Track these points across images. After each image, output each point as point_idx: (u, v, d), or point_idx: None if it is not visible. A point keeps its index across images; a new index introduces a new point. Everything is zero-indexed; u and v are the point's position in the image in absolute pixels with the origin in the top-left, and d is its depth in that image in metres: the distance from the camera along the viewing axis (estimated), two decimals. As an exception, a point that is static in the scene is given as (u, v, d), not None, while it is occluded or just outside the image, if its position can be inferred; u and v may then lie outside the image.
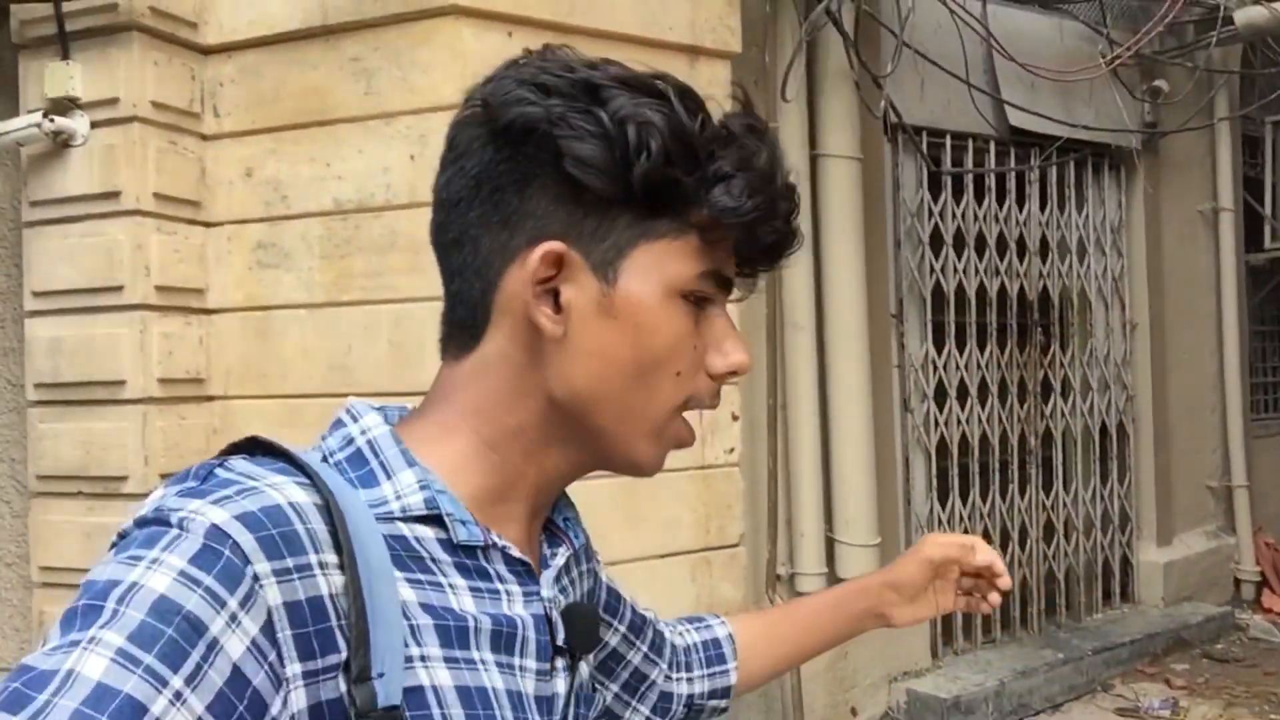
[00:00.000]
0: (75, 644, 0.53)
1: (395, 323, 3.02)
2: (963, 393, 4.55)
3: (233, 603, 0.55)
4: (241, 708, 0.55)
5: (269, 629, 0.57)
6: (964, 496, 4.56)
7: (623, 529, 2.88)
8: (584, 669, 0.78)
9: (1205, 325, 5.60)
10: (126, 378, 2.95)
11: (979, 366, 4.60)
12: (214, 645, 0.54)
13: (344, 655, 0.59)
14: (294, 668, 0.57)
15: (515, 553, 0.71)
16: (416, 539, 0.67)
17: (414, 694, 0.62)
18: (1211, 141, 5.54)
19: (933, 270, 4.44)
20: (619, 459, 0.74)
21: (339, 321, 3.07)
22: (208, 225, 3.16)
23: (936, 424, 4.45)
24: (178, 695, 0.52)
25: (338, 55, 3.06)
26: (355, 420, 0.71)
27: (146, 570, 0.55)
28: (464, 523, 0.68)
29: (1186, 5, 4.92)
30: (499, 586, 0.70)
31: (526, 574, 0.72)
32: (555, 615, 0.73)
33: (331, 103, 3.06)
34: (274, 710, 0.56)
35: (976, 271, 4.60)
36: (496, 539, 0.70)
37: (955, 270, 4.51)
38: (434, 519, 0.68)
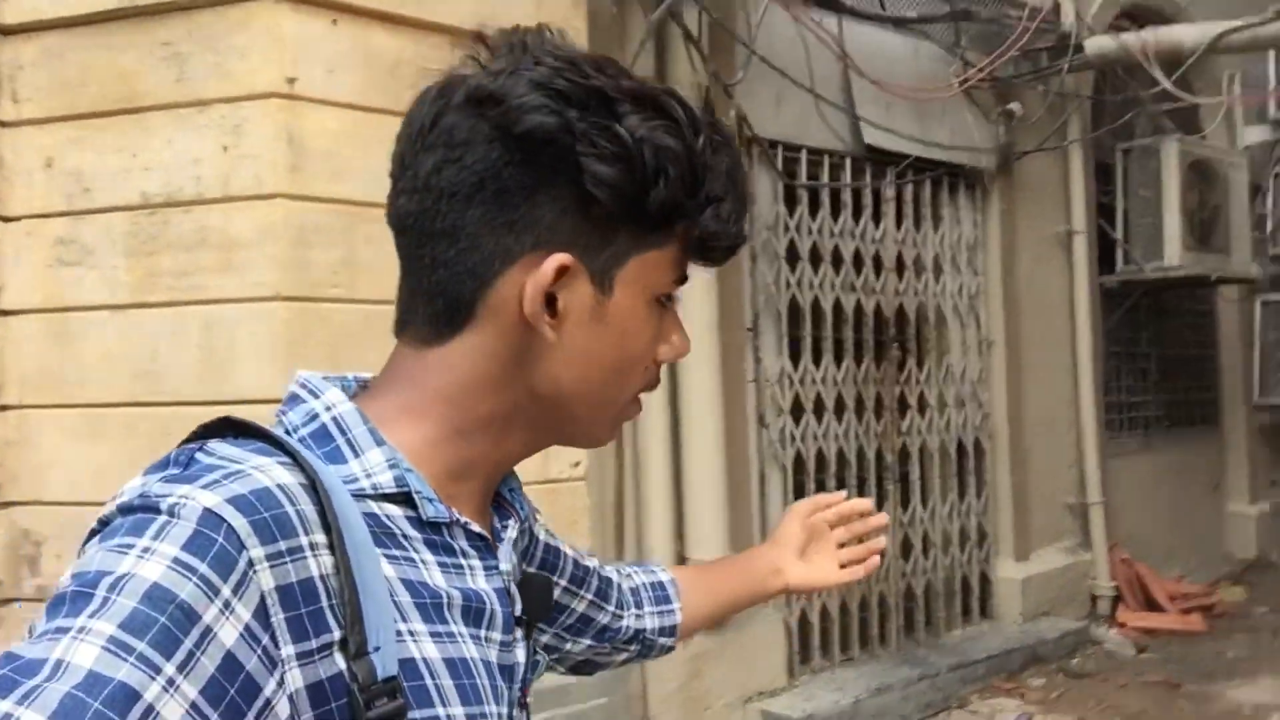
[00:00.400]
0: (63, 631, 0.52)
1: (206, 326, 2.84)
2: (819, 408, 4.53)
3: (226, 590, 0.55)
4: (233, 691, 0.55)
5: (262, 614, 0.57)
6: (822, 513, 4.51)
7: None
8: (539, 637, 0.82)
9: (1060, 345, 5.71)
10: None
11: (835, 382, 4.59)
12: (207, 633, 0.54)
13: (336, 634, 0.60)
14: (288, 649, 0.58)
15: (475, 528, 0.73)
16: (388, 516, 0.68)
17: (407, 666, 0.64)
18: (1065, 166, 5.68)
19: (789, 285, 4.42)
20: (581, 439, 0.79)
21: (145, 324, 2.88)
22: (5, 220, 2.94)
23: (793, 439, 4.41)
24: (170, 682, 0.52)
25: (148, 39, 2.89)
26: (316, 396, 0.71)
27: (139, 559, 0.54)
28: (431, 500, 0.70)
29: (1039, 32, 5.05)
30: (463, 561, 0.72)
31: (485, 548, 0.74)
32: (513, 587, 0.76)
33: (140, 89, 2.88)
34: (268, 692, 0.56)
35: (833, 287, 4.59)
36: (459, 516, 0.72)
37: (812, 285, 4.50)
38: (402, 497, 0.69)
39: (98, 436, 2.89)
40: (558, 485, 3.14)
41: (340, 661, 0.60)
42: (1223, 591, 6.16)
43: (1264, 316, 6.94)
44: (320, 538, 0.60)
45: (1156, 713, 4.24)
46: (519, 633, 0.76)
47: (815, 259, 4.53)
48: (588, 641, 1.04)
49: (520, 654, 0.76)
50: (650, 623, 1.10)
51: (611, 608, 1.05)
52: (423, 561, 0.69)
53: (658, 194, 0.69)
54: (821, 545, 1.21)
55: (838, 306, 4.61)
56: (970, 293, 5.24)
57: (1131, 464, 6.19)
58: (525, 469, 0.84)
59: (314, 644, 0.59)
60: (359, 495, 0.66)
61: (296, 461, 0.62)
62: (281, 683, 0.57)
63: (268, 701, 0.57)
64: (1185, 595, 5.85)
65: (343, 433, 0.69)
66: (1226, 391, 7.11)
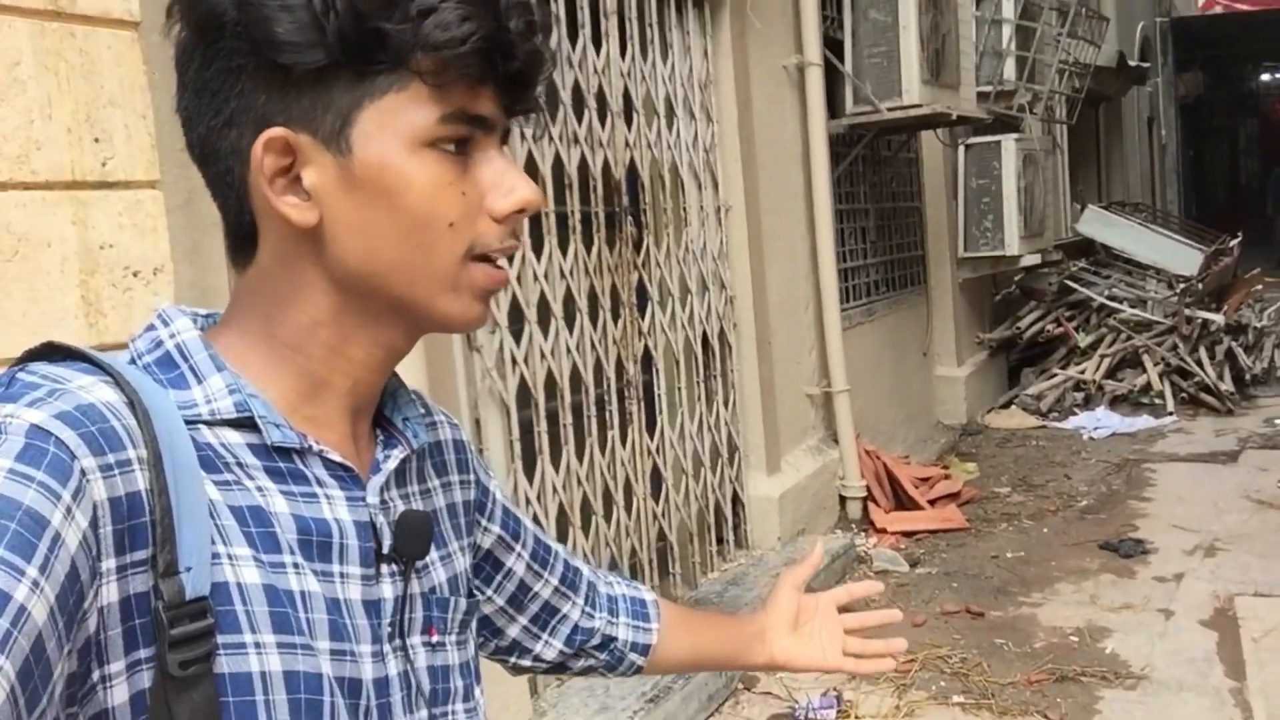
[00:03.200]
0: None
1: None
2: (544, 313, 3.18)
3: (66, 496, 0.55)
4: (71, 602, 0.55)
5: (94, 524, 0.57)
6: (555, 459, 3.23)
7: None
8: (438, 574, 0.78)
9: (796, 206, 4.72)
10: None
11: (563, 274, 3.25)
12: (57, 538, 0.54)
13: (151, 550, 0.59)
14: (108, 563, 0.58)
15: (334, 456, 0.70)
16: (223, 444, 0.66)
17: (220, 589, 0.62)
18: (793, -19, 4.58)
19: (492, 136, 2.97)
20: (429, 322, 0.72)
21: None
22: None
23: (514, 363, 3.05)
24: (35, 584, 0.52)
25: None
26: (166, 324, 0.70)
27: None
28: (277, 425, 0.68)
29: None
30: (317, 490, 0.69)
31: (350, 479, 0.71)
32: (380, 520, 0.72)
33: None
34: (86, 603, 0.56)
35: (550, 138, 3.20)
36: (313, 443, 0.69)
37: (523, 135, 3.08)
38: (246, 423, 0.67)
39: None
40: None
41: (150, 579, 0.59)
42: (956, 470, 5.65)
43: (967, 161, 6.39)
44: (144, 453, 0.60)
45: (978, 656, 3.45)
46: (386, 568, 0.72)
47: (525, 98, 3.10)
48: (559, 645, 1.00)
49: (388, 590, 0.72)
50: (624, 634, 1.05)
51: (581, 602, 1.01)
52: (259, 489, 0.66)
53: (332, 29, 0.63)
54: (826, 623, 1.13)
55: (559, 166, 3.24)
56: (706, 144, 4.05)
57: (857, 339, 5.42)
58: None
59: (129, 559, 0.58)
60: (196, 420, 0.65)
61: (118, 381, 0.61)
62: (96, 595, 0.57)
63: (84, 613, 0.56)
64: (926, 480, 5.24)
65: (185, 359, 0.68)
66: (932, 247, 6.57)
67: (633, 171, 3.63)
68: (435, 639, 0.76)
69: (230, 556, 0.63)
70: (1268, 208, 17.70)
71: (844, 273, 5.44)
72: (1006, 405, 7.12)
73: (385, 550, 0.71)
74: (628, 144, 3.57)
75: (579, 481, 3.33)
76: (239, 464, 0.66)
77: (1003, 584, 4.11)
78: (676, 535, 3.83)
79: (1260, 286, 9.23)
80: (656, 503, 3.73)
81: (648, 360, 3.72)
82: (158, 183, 1.84)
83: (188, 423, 0.64)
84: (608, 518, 3.46)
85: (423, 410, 0.83)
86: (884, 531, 4.68)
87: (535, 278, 3.13)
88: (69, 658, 0.55)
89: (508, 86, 0.68)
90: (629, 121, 3.59)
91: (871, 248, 5.86)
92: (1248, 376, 7.21)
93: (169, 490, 0.60)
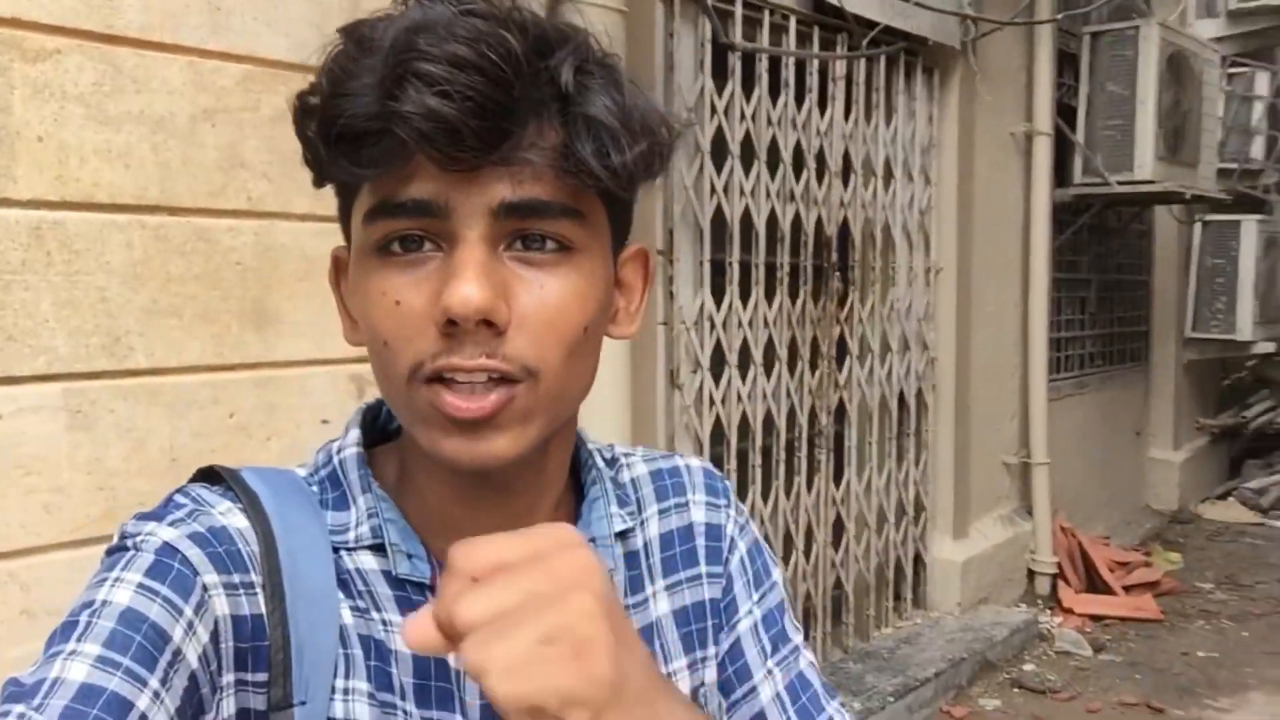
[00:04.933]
0: (56, 656, 0.54)
1: None
2: (745, 359, 3.35)
3: (189, 611, 0.56)
4: (190, 713, 0.56)
5: (215, 638, 0.57)
6: (740, 496, 3.38)
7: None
8: None
9: (1011, 273, 4.70)
10: None
11: (767, 323, 3.42)
12: (178, 654, 0.55)
13: (270, 674, 0.59)
14: (228, 676, 0.58)
15: None
16: (360, 570, 0.64)
17: None
18: (1030, 50, 4.59)
19: (713, 190, 3.18)
20: (431, 456, 0.62)
21: None
22: None
23: (712, 402, 3.23)
24: (156, 695, 0.53)
25: None
26: (344, 434, 0.68)
27: (111, 587, 0.56)
28: (409, 556, 0.64)
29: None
30: None
31: None
32: None
33: None
34: (208, 717, 0.57)
35: (768, 194, 3.38)
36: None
37: (743, 191, 3.27)
38: (384, 549, 0.64)
39: None
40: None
41: (265, 703, 0.59)
42: (1158, 559, 5.42)
43: (1203, 239, 6.13)
44: (264, 579, 0.59)
45: (1153, 754, 3.36)
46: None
47: (747, 155, 3.30)
48: None
49: None
50: None
51: None
52: (384, 622, 0.63)
53: (306, 133, 0.60)
54: None
55: (773, 220, 3.41)
56: (921, 206, 4.13)
57: (1064, 411, 5.31)
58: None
59: (249, 677, 0.59)
60: (344, 547, 0.64)
61: (253, 508, 0.62)
62: (217, 709, 0.57)
63: None
64: (1124, 565, 5.06)
65: (345, 477, 0.66)
66: (1157, 324, 6.33)
67: (845, 229, 3.76)
68: None
69: (348, 691, 0.62)
70: None
71: (1057, 342, 5.35)
72: (1223, 497, 6.73)
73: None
74: (843, 203, 3.70)
75: (761, 520, 3.47)
76: (370, 593, 0.64)
77: (1190, 683, 3.95)
78: (853, 586, 3.90)
79: None
80: (836, 551, 3.82)
81: (841, 412, 3.82)
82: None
83: (337, 548, 0.64)
84: (786, 559, 3.58)
85: (630, 508, 0.73)
86: (1070, 612, 4.57)
87: (740, 324, 3.30)
88: None
89: (438, 158, 0.55)
90: (845, 181, 3.72)
91: (1090, 319, 5.72)
92: None
93: (287, 622, 0.59)
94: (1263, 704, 3.80)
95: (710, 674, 0.73)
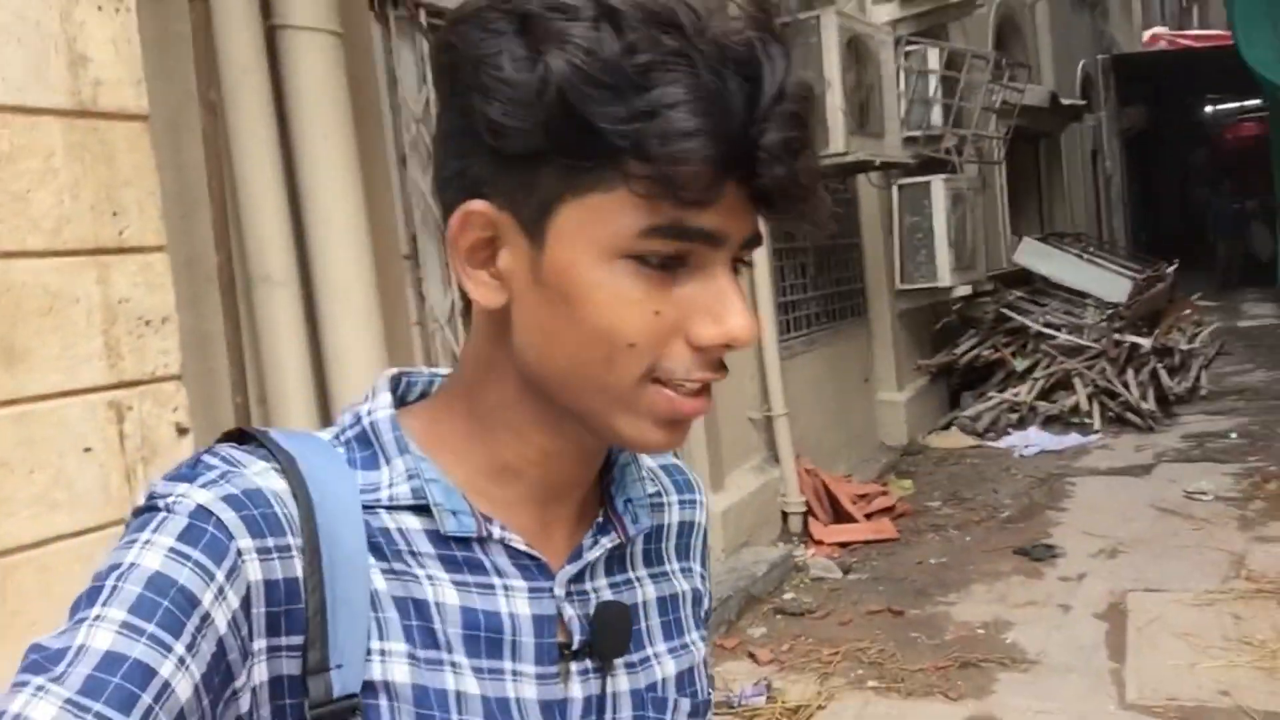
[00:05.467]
0: (81, 621, 0.54)
1: None
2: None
3: (220, 576, 0.56)
4: (218, 678, 0.56)
5: (246, 604, 0.57)
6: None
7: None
8: (664, 668, 0.72)
9: (735, 246, 5.15)
10: None
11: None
12: (206, 618, 0.55)
13: (304, 638, 0.59)
14: (260, 642, 0.58)
15: (519, 544, 0.66)
16: (400, 530, 0.64)
17: (369, 687, 0.61)
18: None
19: (449, 193, 3.38)
20: (610, 437, 0.65)
21: None
22: None
23: (471, 392, 3.44)
24: (181, 661, 0.54)
25: None
26: (369, 399, 0.68)
27: (140, 550, 0.56)
28: (455, 513, 0.65)
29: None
30: (494, 581, 0.65)
31: (537, 568, 0.67)
32: (570, 613, 0.67)
33: None
34: (238, 682, 0.57)
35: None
36: (496, 530, 0.66)
37: (477, 192, 3.49)
38: (426, 509, 0.65)
39: None
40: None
41: (299, 667, 0.59)
42: (893, 487, 6.06)
43: (900, 200, 6.86)
44: (304, 542, 0.60)
45: (894, 648, 3.85)
46: (577, 665, 0.67)
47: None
48: None
49: (576, 688, 0.67)
50: None
51: None
52: (429, 578, 0.64)
53: (544, 114, 0.57)
54: None
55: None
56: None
57: (798, 367, 5.85)
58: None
59: (284, 641, 0.59)
60: (374, 506, 0.64)
61: (286, 470, 0.61)
62: (249, 675, 0.58)
63: (235, 691, 0.57)
64: (865, 496, 5.65)
65: (375, 438, 0.66)
66: (871, 280, 7.03)
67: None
68: None
69: (384, 653, 0.62)
70: (1208, 234, 18.34)
71: (785, 305, 5.88)
72: (946, 427, 7.55)
73: (576, 645, 0.67)
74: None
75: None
76: (412, 552, 0.64)
77: (924, 586, 4.51)
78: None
79: (1190, 311, 9.76)
80: (606, 518, 4.11)
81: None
82: (164, 247, 2.22)
83: (368, 506, 0.64)
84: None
85: (653, 489, 0.77)
86: (821, 543, 5.08)
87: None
88: None
89: (751, 202, 0.60)
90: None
91: (812, 282, 6.30)
92: (1171, 396, 7.69)
93: (324, 585, 0.60)
94: (982, 594, 4.40)
95: (700, 654, 0.77)
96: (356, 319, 2.75)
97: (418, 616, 0.63)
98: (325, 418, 2.70)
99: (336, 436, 0.67)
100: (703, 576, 0.80)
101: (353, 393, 2.75)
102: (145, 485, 0.66)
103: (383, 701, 0.61)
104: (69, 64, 2.02)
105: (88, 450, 2.20)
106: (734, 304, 0.60)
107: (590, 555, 0.69)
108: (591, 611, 0.68)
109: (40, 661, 0.53)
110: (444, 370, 0.73)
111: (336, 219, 2.69)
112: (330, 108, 2.69)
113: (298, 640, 0.59)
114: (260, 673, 0.58)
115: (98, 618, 0.54)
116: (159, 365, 2.21)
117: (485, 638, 0.64)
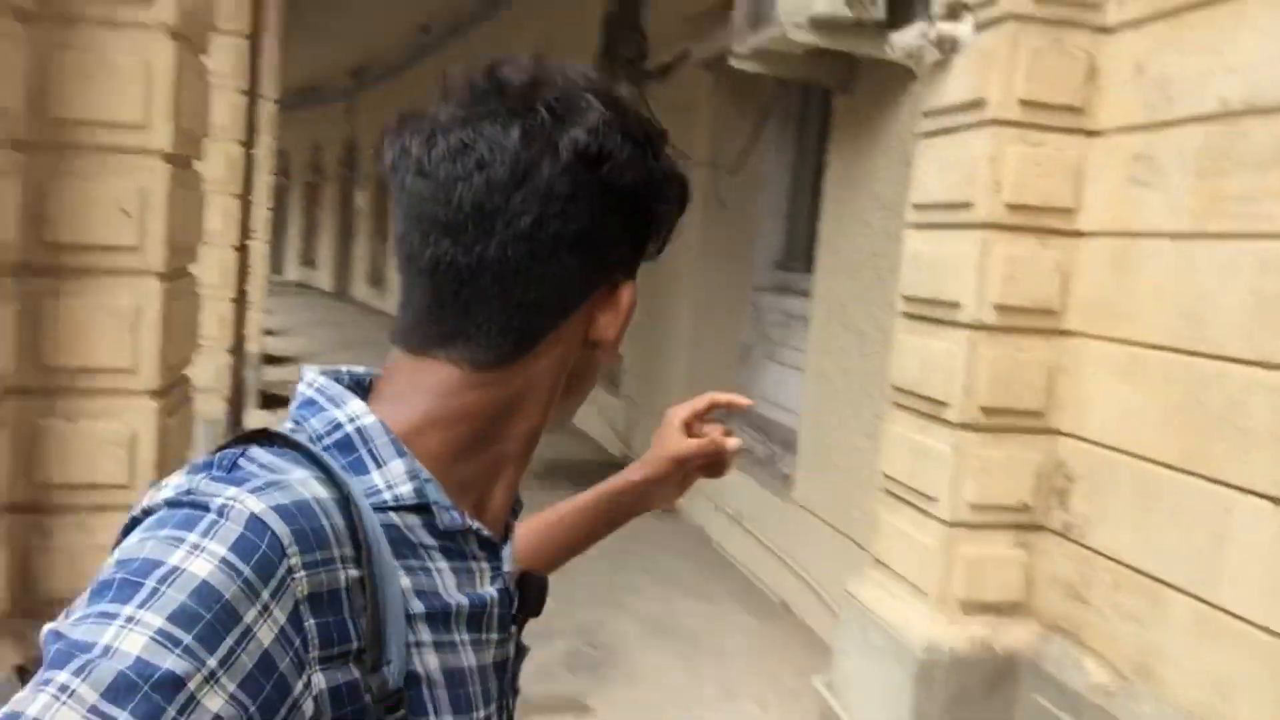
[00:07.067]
0: (111, 617, 0.54)
1: (1261, 267, 2.20)
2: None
3: (265, 594, 0.57)
4: (268, 687, 0.57)
5: (296, 618, 0.59)
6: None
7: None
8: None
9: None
10: (961, 300, 2.77)
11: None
12: (247, 633, 0.56)
13: (354, 644, 0.62)
14: (315, 653, 0.60)
15: (486, 533, 0.73)
16: (407, 526, 0.69)
17: (410, 678, 0.66)
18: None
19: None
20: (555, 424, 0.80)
21: (1198, 257, 2.37)
22: (1089, 134, 2.69)
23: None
24: (212, 674, 0.54)
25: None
26: (338, 405, 0.70)
27: (189, 554, 0.57)
28: (448, 510, 0.70)
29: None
30: (473, 566, 0.73)
31: (493, 551, 0.75)
32: (513, 585, 0.77)
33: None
34: (296, 692, 0.59)
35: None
36: (471, 522, 0.72)
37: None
38: (421, 507, 0.70)
39: (1135, 378, 2.55)
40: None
41: (354, 671, 0.62)
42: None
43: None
44: (349, 551, 0.62)
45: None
46: (513, 628, 0.77)
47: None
48: None
49: (512, 648, 0.77)
50: None
51: None
52: (438, 570, 0.70)
53: (675, 219, 0.77)
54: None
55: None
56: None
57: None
58: None
59: (335, 650, 0.61)
60: (381, 506, 0.67)
61: (330, 477, 0.64)
62: (308, 684, 0.59)
63: (296, 701, 0.59)
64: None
65: (365, 443, 0.69)
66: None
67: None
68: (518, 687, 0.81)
69: (418, 644, 0.67)
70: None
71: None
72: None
73: (514, 612, 0.76)
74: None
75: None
76: (422, 546, 0.69)
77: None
78: None
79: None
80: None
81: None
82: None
83: (375, 508, 0.66)
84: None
85: None
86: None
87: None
88: None
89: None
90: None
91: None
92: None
93: (379, 590, 0.63)
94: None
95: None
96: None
97: (435, 605, 0.68)
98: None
99: (311, 443, 0.68)
100: None
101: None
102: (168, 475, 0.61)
103: (424, 691, 0.67)
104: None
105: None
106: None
107: (518, 530, 0.82)
108: (514, 583, 0.76)
109: (66, 652, 0.53)
110: (359, 368, 0.75)
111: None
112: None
113: (346, 648, 0.61)
114: (320, 681, 0.60)
115: (131, 619, 0.54)
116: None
117: (475, 614, 0.71)
